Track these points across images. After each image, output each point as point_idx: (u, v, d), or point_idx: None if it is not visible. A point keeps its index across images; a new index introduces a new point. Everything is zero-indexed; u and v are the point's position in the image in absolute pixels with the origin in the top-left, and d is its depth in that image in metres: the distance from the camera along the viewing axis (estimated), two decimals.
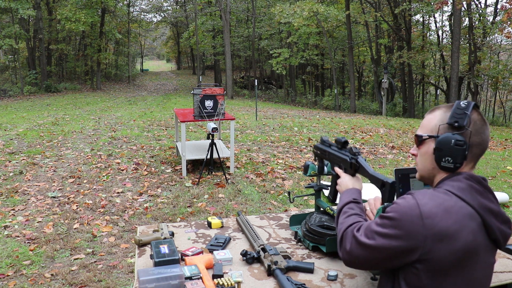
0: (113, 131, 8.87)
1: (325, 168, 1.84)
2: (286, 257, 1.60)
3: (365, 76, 28.95)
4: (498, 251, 1.69)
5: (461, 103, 1.23)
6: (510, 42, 19.44)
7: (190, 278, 1.45)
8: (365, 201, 1.54)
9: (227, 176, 5.38)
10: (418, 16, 22.15)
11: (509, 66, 18.52)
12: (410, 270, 1.12)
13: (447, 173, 1.22)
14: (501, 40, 20.87)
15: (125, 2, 29.77)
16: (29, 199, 4.65)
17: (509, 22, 11.69)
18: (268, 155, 6.69)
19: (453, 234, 1.07)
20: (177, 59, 48.42)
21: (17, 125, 9.80)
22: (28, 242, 3.60)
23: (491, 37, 19.08)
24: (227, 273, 1.53)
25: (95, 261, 3.28)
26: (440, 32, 23.75)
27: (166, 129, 9.17)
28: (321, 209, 1.89)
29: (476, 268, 1.13)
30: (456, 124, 1.19)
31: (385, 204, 1.51)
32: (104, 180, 5.33)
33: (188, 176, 5.46)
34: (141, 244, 1.76)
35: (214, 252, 1.65)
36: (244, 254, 1.62)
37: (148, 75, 39.73)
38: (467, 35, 18.52)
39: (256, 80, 11.48)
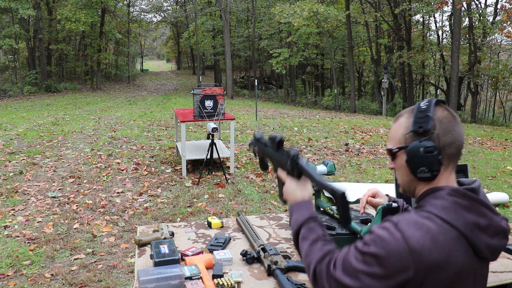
0: (113, 131, 8.87)
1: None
2: (286, 257, 1.60)
3: (365, 76, 28.94)
4: None
5: (421, 105, 1.14)
6: (510, 42, 19.44)
7: (190, 278, 1.45)
8: (357, 202, 1.53)
9: (227, 176, 5.38)
10: (418, 16, 22.16)
11: (509, 66, 18.53)
12: None
13: (428, 183, 1.13)
14: (501, 40, 20.88)
15: (125, 2, 29.76)
16: (29, 199, 4.65)
17: (509, 22, 11.69)
18: None
19: (444, 263, 1.01)
20: (177, 59, 48.42)
21: (17, 125, 9.80)
22: (28, 242, 3.60)
23: (491, 37, 19.09)
24: (227, 273, 1.53)
25: (95, 261, 3.28)
26: (440, 32, 23.75)
27: (166, 129, 9.17)
28: (321, 209, 1.89)
29: (471, 286, 1.09)
30: (420, 129, 1.10)
31: (385, 204, 1.51)
32: (104, 180, 5.33)
33: (188, 176, 5.46)
34: (141, 244, 1.76)
35: (214, 252, 1.65)
36: (244, 254, 1.62)
37: (148, 75, 39.73)
38: (467, 35, 18.52)
39: (256, 80, 11.48)
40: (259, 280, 1.48)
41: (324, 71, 28.13)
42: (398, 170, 1.19)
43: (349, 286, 1.02)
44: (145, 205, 4.48)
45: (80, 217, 4.15)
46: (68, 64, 28.48)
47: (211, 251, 1.69)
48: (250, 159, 6.38)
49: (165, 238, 1.76)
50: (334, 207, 1.81)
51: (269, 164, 1.51)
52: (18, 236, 3.72)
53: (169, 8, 35.88)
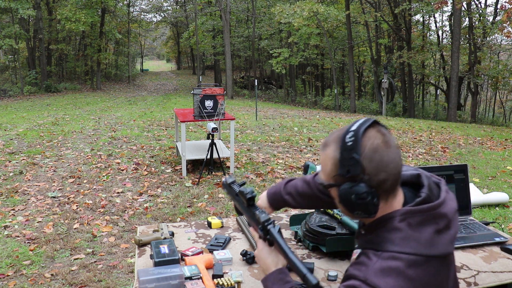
0: (113, 131, 8.87)
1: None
2: None
3: (365, 76, 28.95)
4: (498, 250, 1.69)
5: (347, 141, 1.01)
6: (510, 42, 19.44)
7: (190, 278, 1.45)
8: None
9: (227, 176, 5.37)
10: (418, 16, 22.16)
11: (509, 66, 18.53)
12: None
13: (375, 219, 1.07)
14: (501, 40, 20.88)
15: (125, 2, 29.76)
16: (29, 199, 4.65)
17: (508, 22, 11.69)
18: (268, 155, 6.69)
19: None
20: (177, 59, 48.42)
21: (17, 125, 9.80)
22: (28, 242, 3.60)
23: (491, 37, 19.09)
24: (227, 273, 1.53)
25: (95, 261, 3.28)
26: (440, 32, 23.76)
27: (166, 129, 9.17)
28: (321, 209, 1.89)
29: (451, 274, 1.11)
30: (348, 174, 1.01)
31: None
32: (104, 180, 5.33)
33: (188, 176, 5.46)
34: (141, 244, 1.76)
35: (214, 252, 1.65)
36: (244, 254, 1.62)
37: (148, 75, 39.74)
38: (467, 35, 18.52)
39: (256, 80, 11.48)
40: (259, 280, 1.48)
41: (324, 71, 28.14)
42: (337, 203, 1.10)
43: None
44: (145, 205, 4.48)
45: (80, 217, 4.15)
46: (68, 64, 28.48)
47: (211, 251, 1.69)
48: (250, 159, 6.38)
49: (165, 238, 1.76)
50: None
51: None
52: (18, 236, 3.72)
53: (169, 8, 35.90)
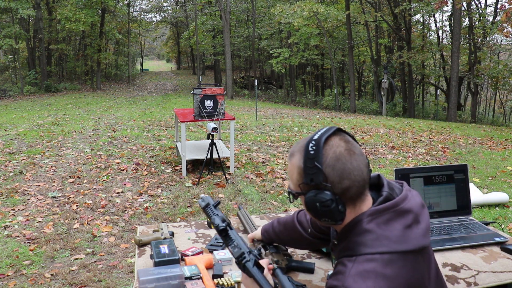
0: (113, 131, 8.87)
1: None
2: (287, 255, 1.60)
3: (365, 76, 28.96)
4: (498, 250, 1.69)
5: (310, 149, 1.03)
6: (510, 42, 19.45)
7: (190, 278, 1.45)
8: None
9: (227, 176, 5.38)
10: (418, 16, 22.18)
11: (509, 66, 18.54)
12: None
13: (344, 225, 1.08)
14: (501, 40, 20.88)
15: (125, 2, 29.77)
16: (29, 199, 4.65)
17: (508, 22, 11.69)
18: (268, 155, 6.70)
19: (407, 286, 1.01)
20: (177, 59, 48.43)
21: (17, 125, 9.80)
22: (28, 242, 3.60)
23: (491, 37, 19.10)
24: (227, 273, 1.53)
25: (95, 261, 3.28)
26: (440, 32, 23.77)
27: (166, 129, 9.17)
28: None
29: (432, 267, 1.12)
30: (312, 183, 1.03)
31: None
32: (104, 180, 5.33)
33: (188, 176, 5.46)
34: (141, 244, 1.76)
35: (214, 252, 1.65)
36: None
37: (148, 75, 39.74)
38: (467, 35, 18.53)
39: (256, 80, 11.48)
40: None
41: (324, 71, 28.14)
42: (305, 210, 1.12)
43: None
44: (145, 205, 4.48)
45: (80, 217, 4.15)
46: (68, 64, 28.49)
47: (211, 251, 1.69)
48: (250, 159, 6.38)
49: (165, 238, 1.76)
50: None
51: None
52: (18, 236, 3.72)
53: (169, 8, 35.91)
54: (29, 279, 3.01)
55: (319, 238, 1.45)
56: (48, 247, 3.50)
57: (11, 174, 5.59)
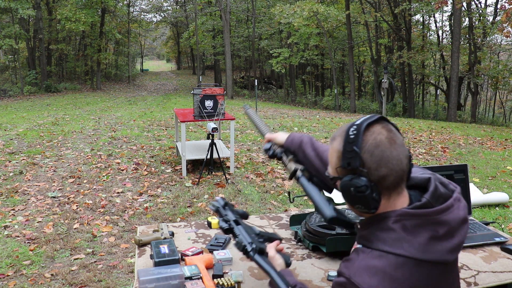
0: (113, 131, 8.87)
1: None
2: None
3: (365, 76, 28.95)
4: (498, 250, 1.69)
5: (350, 133, 1.03)
6: (510, 42, 19.45)
7: (190, 278, 1.45)
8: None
9: (227, 176, 5.38)
10: (418, 16, 22.17)
11: (509, 66, 18.54)
12: None
13: (372, 215, 1.07)
14: (501, 40, 20.88)
15: (125, 2, 29.77)
16: (29, 199, 4.65)
17: (507, 22, 11.69)
18: None
19: None
20: (177, 59, 48.42)
21: (17, 125, 9.80)
22: (28, 242, 3.60)
23: (491, 37, 19.10)
24: (227, 273, 1.53)
25: (95, 261, 3.28)
26: (440, 32, 23.78)
27: (166, 129, 9.17)
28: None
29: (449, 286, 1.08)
30: (348, 167, 1.02)
31: None
32: (104, 180, 5.33)
33: (188, 176, 5.46)
34: (141, 244, 1.76)
35: (214, 252, 1.65)
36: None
37: (148, 75, 39.73)
38: (467, 35, 18.53)
39: (256, 80, 11.48)
40: (259, 280, 1.48)
41: (324, 71, 28.14)
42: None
43: None
44: (145, 205, 4.48)
45: (80, 217, 4.15)
46: (68, 64, 28.49)
47: (211, 251, 1.69)
48: (250, 159, 6.38)
49: (165, 238, 1.76)
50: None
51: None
52: (18, 236, 3.72)
53: (169, 8, 35.90)
54: (29, 279, 3.01)
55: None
56: (48, 247, 3.50)
57: (11, 174, 5.59)
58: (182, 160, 5.45)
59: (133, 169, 5.81)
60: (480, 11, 18.88)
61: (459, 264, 1.59)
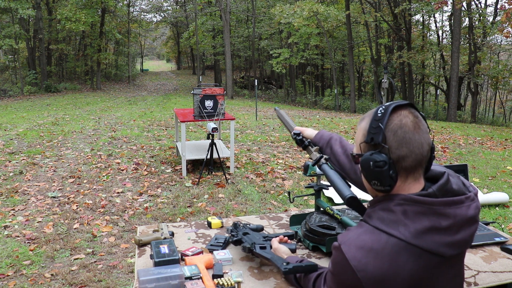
0: (113, 131, 8.87)
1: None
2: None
3: (365, 76, 28.96)
4: (498, 251, 1.69)
5: (378, 112, 1.07)
6: (510, 42, 19.45)
7: (190, 278, 1.45)
8: (365, 200, 1.52)
9: (227, 176, 5.38)
10: (418, 16, 22.18)
11: (509, 66, 18.54)
12: None
13: (385, 194, 1.10)
14: (501, 40, 20.89)
15: (125, 2, 29.78)
16: (29, 199, 4.65)
17: (507, 22, 11.69)
18: (268, 155, 6.70)
19: (393, 274, 1.00)
20: (177, 59, 48.43)
21: (17, 125, 9.80)
22: (28, 242, 3.60)
23: (491, 37, 19.11)
24: (227, 273, 1.53)
25: (95, 261, 3.28)
26: (440, 32, 23.78)
27: (166, 129, 9.17)
28: (321, 209, 1.89)
29: (442, 283, 1.08)
30: (371, 142, 1.06)
31: None
32: (104, 180, 5.33)
33: (188, 176, 5.46)
34: (141, 244, 1.75)
35: (214, 252, 1.65)
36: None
37: (148, 75, 39.74)
38: (467, 35, 18.54)
39: (256, 80, 11.48)
40: (259, 280, 1.48)
41: (324, 71, 28.15)
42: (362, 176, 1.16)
43: None
44: (145, 205, 4.48)
45: (80, 217, 4.15)
46: (68, 64, 28.50)
47: (211, 251, 1.69)
48: (250, 159, 6.38)
49: (165, 238, 1.76)
50: (334, 207, 1.82)
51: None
52: (18, 236, 3.72)
53: (169, 8, 35.92)
54: (29, 279, 3.01)
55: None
56: (48, 247, 3.50)
57: (11, 174, 5.59)
58: (182, 160, 5.45)
59: (133, 169, 5.81)
60: (480, 11, 18.88)
61: None
